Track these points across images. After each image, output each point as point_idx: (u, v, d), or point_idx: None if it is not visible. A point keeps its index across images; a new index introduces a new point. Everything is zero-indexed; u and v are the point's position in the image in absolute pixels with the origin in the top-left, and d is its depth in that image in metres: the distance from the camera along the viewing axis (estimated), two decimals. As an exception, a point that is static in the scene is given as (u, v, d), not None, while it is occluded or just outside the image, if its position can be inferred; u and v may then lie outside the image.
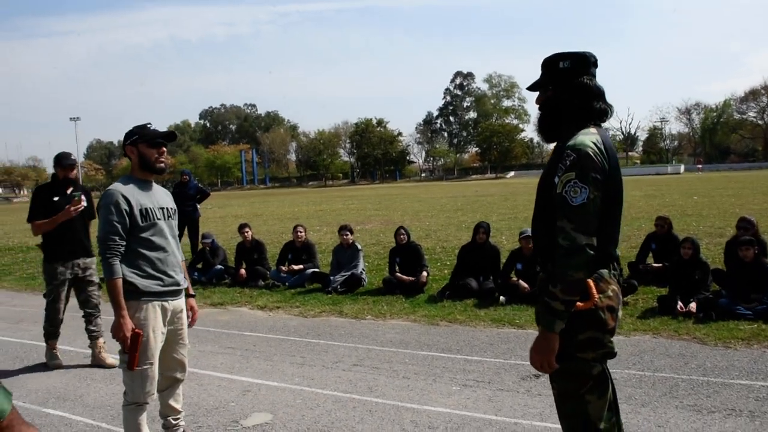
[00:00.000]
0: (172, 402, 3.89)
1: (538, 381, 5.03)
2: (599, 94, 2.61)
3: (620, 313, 2.60)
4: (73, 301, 6.22)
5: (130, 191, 3.59)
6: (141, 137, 3.65)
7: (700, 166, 78.05)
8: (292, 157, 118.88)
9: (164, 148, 3.71)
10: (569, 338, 2.48)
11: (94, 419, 4.67)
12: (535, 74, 2.71)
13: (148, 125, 3.72)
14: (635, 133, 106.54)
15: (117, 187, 3.60)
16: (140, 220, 3.56)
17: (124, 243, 3.51)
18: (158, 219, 3.65)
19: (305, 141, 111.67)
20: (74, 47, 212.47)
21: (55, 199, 5.86)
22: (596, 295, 2.46)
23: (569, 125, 2.57)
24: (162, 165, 3.70)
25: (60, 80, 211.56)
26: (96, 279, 6.18)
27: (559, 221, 2.43)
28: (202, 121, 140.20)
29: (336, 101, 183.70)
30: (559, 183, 2.45)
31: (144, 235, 3.57)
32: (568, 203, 2.40)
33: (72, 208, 5.60)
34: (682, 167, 78.86)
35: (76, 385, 5.52)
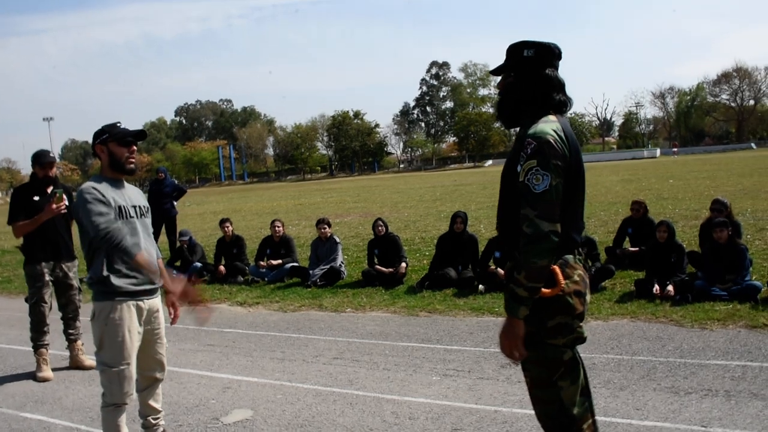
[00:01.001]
0: (151, 402, 3.85)
1: (517, 368, 5.03)
2: (559, 85, 2.62)
3: (588, 297, 2.61)
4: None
5: (104, 189, 3.53)
6: (111, 136, 3.59)
7: (675, 149, 78.87)
8: (270, 151, 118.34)
9: (135, 147, 3.66)
10: (539, 325, 2.50)
11: (73, 422, 4.62)
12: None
13: (118, 124, 3.67)
14: (611, 119, 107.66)
15: (91, 184, 3.55)
16: (116, 217, 3.51)
17: (121, 226, 3.48)
18: (131, 217, 3.60)
19: (282, 135, 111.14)
20: (47, 46, 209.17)
21: (36, 198, 5.68)
22: (562, 282, 2.47)
23: (528, 113, 2.59)
24: (132, 166, 3.65)
25: (33, 79, 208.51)
26: (77, 283, 6.04)
27: (522, 209, 2.43)
28: (177, 118, 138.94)
29: (313, 94, 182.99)
30: (521, 171, 2.46)
31: None
32: (531, 191, 2.42)
33: (54, 206, 5.34)
34: (658, 151, 79.54)
35: (54, 387, 5.46)
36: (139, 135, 3.70)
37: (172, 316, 3.91)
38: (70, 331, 6.03)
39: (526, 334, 2.50)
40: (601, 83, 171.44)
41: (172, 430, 4.24)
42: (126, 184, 3.75)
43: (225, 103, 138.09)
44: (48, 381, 5.68)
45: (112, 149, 3.58)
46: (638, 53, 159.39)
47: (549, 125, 2.50)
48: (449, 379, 4.93)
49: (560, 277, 2.47)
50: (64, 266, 5.89)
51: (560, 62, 2.64)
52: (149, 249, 3.70)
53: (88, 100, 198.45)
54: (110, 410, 3.52)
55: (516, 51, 2.62)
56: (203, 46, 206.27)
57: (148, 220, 3.77)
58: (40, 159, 5.75)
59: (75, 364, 6.03)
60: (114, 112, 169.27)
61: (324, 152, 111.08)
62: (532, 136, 2.46)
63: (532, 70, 2.60)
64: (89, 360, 5.89)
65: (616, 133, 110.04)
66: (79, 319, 6.08)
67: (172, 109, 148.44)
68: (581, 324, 2.57)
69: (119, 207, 3.53)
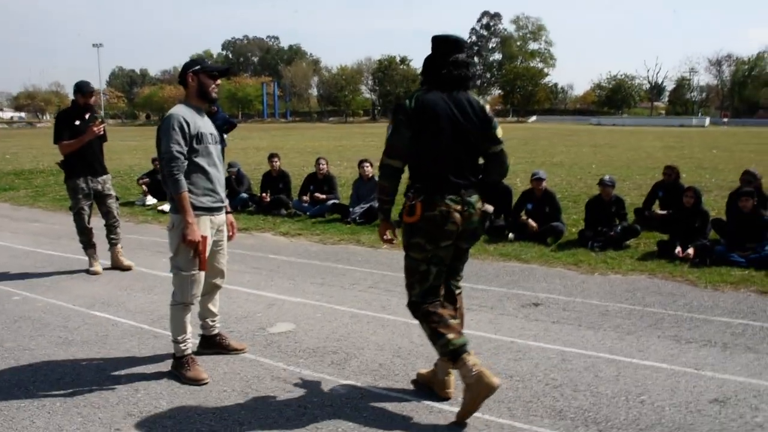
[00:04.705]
0: (210, 306, 4.44)
1: (536, 309, 5.53)
2: (447, 64, 3.46)
3: (452, 228, 3.50)
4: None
5: (190, 116, 4.02)
6: (202, 68, 4.08)
7: (725, 119, 76.84)
8: (314, 92, 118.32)
9: (219, 81, 4.15)
10: (406, 240, 3.60)
11: (137, 321, 5.24)
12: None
13: (205, 59, 4.18)
14: (662, 83, 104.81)
15: (179, 110, 4.03)
16: (196, 142, 4.01)
17: (186, 161, 3.97)
18: (209, 143, 4.11)
19: (327, 76, 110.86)
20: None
21: (77, 123, 6.59)
22: (418, 213, 3.44)
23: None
24: (215, 95, 4.17)
25: (84, 5, 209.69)
26: (113, 192, 7.02)
27: None
28: (224, 52, 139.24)
29: (360, 36, 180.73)
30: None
31: (199, 155, 4.02)
32: (386, 140, 3.51)
33: (95, 128, 6.46)
34: (708, 120, 77.45)
35: (117, 293, 6.09)
36: (225, 72, 4.23)
37: (231, 232, 4.48)
38: (112, 236, 6.97)
39: (404, 244, 3.61)
40: (657, 46, 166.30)
41: (225, 334, 4.81)
42: (204, 114, 4.25)
43: (272, 40, 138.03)
44: (98, 274, 6.69)
45: (201, 80, 4.07)
46: (699, 17, 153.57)
47: (411, 94, 3.49)
48: (473, 313, 5.39)
49: (418, 210, 3.45)
50: (99, 179, 6.80)
51: (456, 47, 3.51)
52: (221, 171, 4.23)
53: (137, 30, 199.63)
54: (179, 308, 4.08)
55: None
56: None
57: (219, 147, 4.27)
58: (83, 89, 6.65)
59: (115, 265, 6.96)
60: (161, 42, 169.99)
61: (368, 96, 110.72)
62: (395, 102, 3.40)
63: (428, 60, 3.55)
64: (127, 261, 6.96)
65: (666, 99, 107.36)
66: (119, 226, 7.04)
67: (220, 42, 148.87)
68: (438, 247, 3.51)
69: (201, 133, 4.03)
